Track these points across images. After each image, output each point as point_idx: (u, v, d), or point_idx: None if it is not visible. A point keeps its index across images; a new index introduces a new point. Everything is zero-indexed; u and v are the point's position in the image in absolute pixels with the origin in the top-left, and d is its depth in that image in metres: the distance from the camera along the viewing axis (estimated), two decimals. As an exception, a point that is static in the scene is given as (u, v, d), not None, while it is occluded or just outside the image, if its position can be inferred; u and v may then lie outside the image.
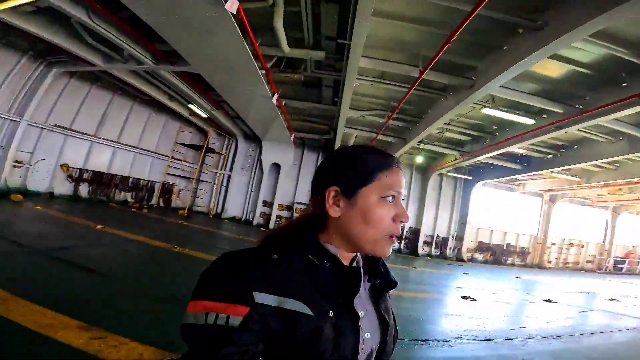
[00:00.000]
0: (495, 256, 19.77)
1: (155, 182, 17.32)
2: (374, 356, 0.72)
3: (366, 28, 5.34)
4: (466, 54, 7.04)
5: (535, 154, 13.78)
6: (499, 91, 7.86)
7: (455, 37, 5.32)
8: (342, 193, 0.70)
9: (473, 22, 4.93)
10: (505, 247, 20.24)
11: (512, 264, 19.91)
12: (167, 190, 17.98)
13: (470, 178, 18.46)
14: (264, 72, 8.32)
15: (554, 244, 21.33)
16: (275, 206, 17.85)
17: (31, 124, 11.48)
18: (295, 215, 17.89)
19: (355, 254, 0.76)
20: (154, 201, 17.25)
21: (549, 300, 8.68)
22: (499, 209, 20.77)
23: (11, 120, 11.01)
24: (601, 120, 8.15)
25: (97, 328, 2.91)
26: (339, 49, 7.24)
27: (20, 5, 7.09)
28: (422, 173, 18.88)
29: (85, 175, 13.97)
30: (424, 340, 4.33)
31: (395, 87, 9.05)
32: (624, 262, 22.59)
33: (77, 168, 13.65)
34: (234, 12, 5.17)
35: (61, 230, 7.64)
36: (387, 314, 0.76)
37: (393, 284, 0.78)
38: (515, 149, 12.43)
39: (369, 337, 0.69)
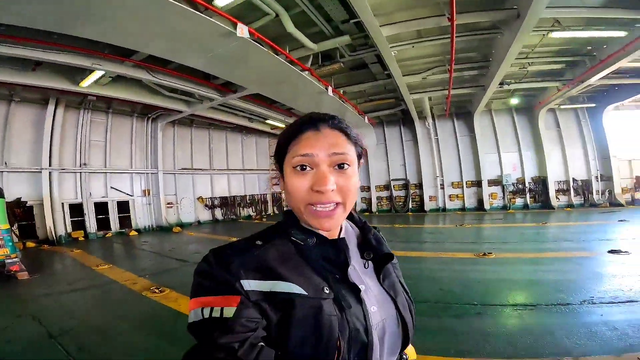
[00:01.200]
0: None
1: (266, 194, 20.28)
2: (387, 331, 0.68)
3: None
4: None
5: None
6: (558, 12, 7.24)
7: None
8: (280, 171, 0.71)
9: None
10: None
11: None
12: (277, 199, 20.74)
13: (594, 105, 15.15)
14: (306, 72, 9.10)
15: None
16: (373, 189, 18.49)
17: (165, 172, 15.12)
18: (394, 192, 18.12)
19: (339, 228, 0.74)
20: (270, 210, 20.23)
21: None
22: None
23: (151, 173, 14.73)
24: None
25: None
26: (359, 26, 7.41)
27: (97, 80, 9.24)
28: (526, 114, 16.37)
29: (216, 202, 17.53)
30: (534, 305, 3.72)
31: (438, 40, 8.63)
32: None
33: (208, 198, 17.24)
34: (247, 36, 6.11)
35: (207, 246, 9.97)
36: (392, 289, 0.73)
37: (389, 257, 0.75)
38: (627, 63, 9.93)
39: (375, 310, 0.67)
